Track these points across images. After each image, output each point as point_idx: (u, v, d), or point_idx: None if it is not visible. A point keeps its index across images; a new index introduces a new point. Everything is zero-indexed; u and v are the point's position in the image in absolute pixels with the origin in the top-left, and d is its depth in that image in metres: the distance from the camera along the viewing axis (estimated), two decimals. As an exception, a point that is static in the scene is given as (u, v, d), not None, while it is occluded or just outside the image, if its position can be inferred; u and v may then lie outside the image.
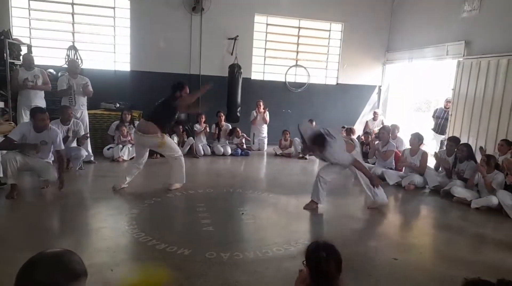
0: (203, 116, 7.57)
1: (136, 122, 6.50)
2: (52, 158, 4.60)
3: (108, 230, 3.44)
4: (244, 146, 7.82)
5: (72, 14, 7.66)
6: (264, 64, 8.90)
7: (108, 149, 6.57)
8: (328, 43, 9.27)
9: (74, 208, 4.00)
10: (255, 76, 8.77)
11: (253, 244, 3.26)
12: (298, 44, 9.08)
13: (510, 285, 1.46)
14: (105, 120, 7.05)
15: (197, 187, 4.99)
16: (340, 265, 1.74)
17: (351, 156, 4.08)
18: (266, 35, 8.80)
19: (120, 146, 6.52)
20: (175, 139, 6.86)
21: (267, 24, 8.74)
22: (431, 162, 5.94)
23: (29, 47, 6.95)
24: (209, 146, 7.59)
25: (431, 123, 8.15)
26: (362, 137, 7.72)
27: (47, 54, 7.59)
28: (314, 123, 7.24)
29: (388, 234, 3.81)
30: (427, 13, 8.06)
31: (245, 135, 7.95)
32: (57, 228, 3.53)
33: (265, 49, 8.85)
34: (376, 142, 6.63)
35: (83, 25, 7.80)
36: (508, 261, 3.22)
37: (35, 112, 4.34)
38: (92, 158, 6.14)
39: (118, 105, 7.34)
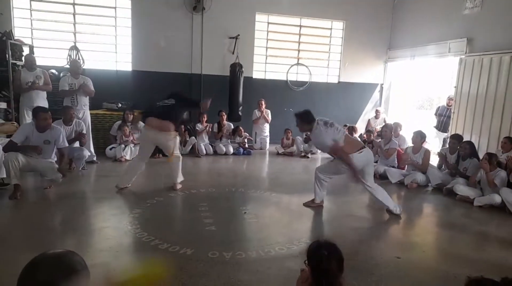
0: (205, 116, 7.57)
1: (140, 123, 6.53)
2: (55, 158, 4.62)
3: (111, 230, 3.45)
4: (246, 145, 7.83)
5: (74, 14, 7.67)
6: (266, 63, 8.90)
7: (110, 149, 6.58)
8: (330, 42, 9.26)
9: (76, 208, 4.02)
10: (256, 75, 8.76)
11: (256, 244, 3.26)
12: (299, 42, 9.07)
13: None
14: (107, 120, 7.06)
15: (199, 186, 4.99)
16: (341, 264, 1.74)
17: (333, 141, 3.86)
18: (267, 34, 8.79)
19: (123, 146, 6.53)
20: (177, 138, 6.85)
21: (268, 23, 8.73)
22: (434, 160, 5.92)
23: (31, 47, 6.96)
24: (211, 146, 7.60)
25: (434, 121, 8.13)
26: (364, 136, 7.70)
27: (49, 55, 7.60)
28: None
29: (390, 232, 3.81)
30: (428, 10, 8.03)
31: (247, 134, 7.96)
32: (60, 228, 3.54)
33: (267, 47, 8.84)
34: (379, 140, 6.62)
35: (84, 25, 7.81)
36: (511, 259, 3.21)
37: (37, 111, 4.35)
38: (95, 158, 6.15)
39: (120, 105, 7.35)
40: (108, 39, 7.98)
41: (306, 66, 9.04)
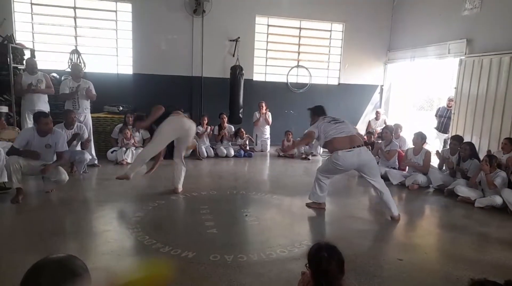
0: (206, 118, 7.59)
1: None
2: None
3: (113, 233, 3.46)
4: (247, 148, 7.84)
5: (75, 18, 7.70)
6: (266, 65, 8.91)
7: (112, 152, 6.59)
8: (330, 44, 9.27)
9: (78, 212, 4.03)
10: (257, 77, 8.78)
11: (257, 246, 3.25)
12: (299, 45, 9.09)
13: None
14: (108, 123, 7.07)
15: (201, 189, 5.00)
16: (342, 266, 1.74)
17: (310, 130, 4.06)
18: (267, 36, 8.81)
19: (124, 149, 6.54)
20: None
21: (268, 25, 8.76)
22: (435, 161, 5.92)
23: (32, 51, 6.99)
24: (212, 148, 7.60)
25: (434, 122, 8.12)
26: (365, 137, 7.71)
27: (50, 58, 7.63)
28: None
29: (392, 234, 3.80)
30: (428, 11, 8.05)
31: (249, 135, 7.97)
32: (62, 232, 3.54)
33: (267, 50, 8.86)
34: (379, 141, 6.62)
35: (85, 29, 7.84)
36: (513, 260, 3.21)
37: (38, 116, 4.36)
38: (96, 162, 6.16)
39: (121, 108, 7.36)
40: (109, 42, 8.01)
41: (306, 68, 9.05)
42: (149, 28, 7.91)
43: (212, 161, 7.17)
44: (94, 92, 6.08)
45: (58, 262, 1.17)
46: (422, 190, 5.47)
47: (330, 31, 9.20)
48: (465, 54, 6.93)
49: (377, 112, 8.99)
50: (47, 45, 7.71)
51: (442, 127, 7.78)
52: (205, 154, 7.39)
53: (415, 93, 11.04)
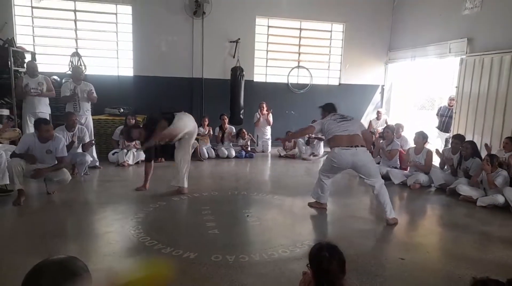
0: (207, 119, 7.60)
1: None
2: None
3: (114, 235, 3.46)
4: (249, 148, 7.84)
5: (75, 21, 7.73)
6: (266, 66, 8.92)
7: (113, 154, 6.60)
8: (330, 44, 9.28)
9: (80, 213, 4.03)
10: (257, 78, 8.78)
11: (259, 247, 3.25)
12: (299, 45, 9.09)
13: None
14: (109, 125, 7.08)
15: (202, 190, 5.00)
16: (343, 265, 1.74)
17: (311, 124, 4.31)
18: (267, 37, 8.82)
19: (125, 151, 6.55)
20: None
21: (269, 26, 8.77)
22: (436, 161, 5.91)
23: (33, 54, 7.01)
24: (213, 149, 7.60)
25: (435, 121, 8.11)
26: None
27: (51, 61, 7.66)
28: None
29: (394, 233, 3.79)
30: (428, 11, 8.04)
31: (251, 135, 7.97)
32: (64, 234, 3.54)
33: (267, 51, 8.87)
34: (380, 141, 6.61)
35: (86, 31, 7.86)
36: (516, 259, 3.19)
37: (39, 123, 4.38)
38: (97, 164, 6.17)
39: (122, 110, 7.38)
40: (110, 45, 8.03)
41: (307, 69, 9.05)
42: (149, 30, 7.92)
43: (213, 162, 7.17)
44: (95, 94, 6.09)
45: (58, 263, 1.17)
46: (424, 190, 5.46)
47: (331, 31, 9.20)
48: (466, 53, 6.92)
49: (378, 112, 8.98)
50: (48, 48, 7.74)
51: (444, 126, 7.76)
52: (206, 155, 7.39)
53: (416, 93, 11.03)
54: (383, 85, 9.57)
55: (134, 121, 6.74)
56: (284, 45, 9.04)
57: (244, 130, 7.81)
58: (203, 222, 3.81)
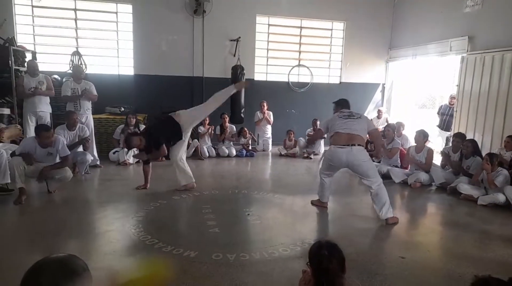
0: (207, 118, 7.58)
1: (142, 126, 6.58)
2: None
3: (115, 233, 3.46)
4: (250, 147, 7.84)
5: (75, 20, 7.72)
6: (267, 65, 8.91)
7: (113, 153, 6.60)
8: (331, 42, 9.26)
9: (80, 212, 4.04)
10: (258, 77, 8.78)
11: (259, 245, 3.25)
12: (300, 44, 9.08)
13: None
14: (110, 124, 7.09)
15: (203, 189, 5.00)
16: (343, 264, 1.74)
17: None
18: (268, 36, 8.80)
19: (126, 149, 6.53)
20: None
21: (269, 25, 8.75)
22: (437, 159, 5.90)
23: (34, 53, 7.02)
24: (214, 148, 7.60)
25: (436, 120, 8.09)
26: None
27: (52, 60, 7.66)
28: (318, 122, 7.22)
29: (395, 232, 3.79)
30: (429, 9, 8.02)
31: (252, 134, 7.97)
32: (64, 232, 3.55)
33: (268, 49, 8.85)
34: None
35: (86, 30, 7.86)
36: (516, 257, 3.19)
37: (40, 130, 4.41)
38: (98, 162, 6.18)
39: (122, 109, 7.38)
40: (110, 43, 8.03)
41: (308, 67, 9.04)
42: (150, 29, 7.92)
43: (214, 161, 7.18)
44: (95, 93, 6.10)
45: (58, 261, 1.17)
46: (425, 188, 5.45)
47: (331, 29, 9.18)
48: (467, 51, 6.90)
49: (379, 111, 8.96)
50: (48, 47, 7.73)
51: (445, 125, 7.75)
52: (207, 154, 7.39)
53: (417, 91, 10.99)
54: (384, 84, 9.55)
55: (134, 120, 6.74)
56: (284, 44, 9.03)
57: (245, 129, 7.81)
58: (204, 221, 3.81)
